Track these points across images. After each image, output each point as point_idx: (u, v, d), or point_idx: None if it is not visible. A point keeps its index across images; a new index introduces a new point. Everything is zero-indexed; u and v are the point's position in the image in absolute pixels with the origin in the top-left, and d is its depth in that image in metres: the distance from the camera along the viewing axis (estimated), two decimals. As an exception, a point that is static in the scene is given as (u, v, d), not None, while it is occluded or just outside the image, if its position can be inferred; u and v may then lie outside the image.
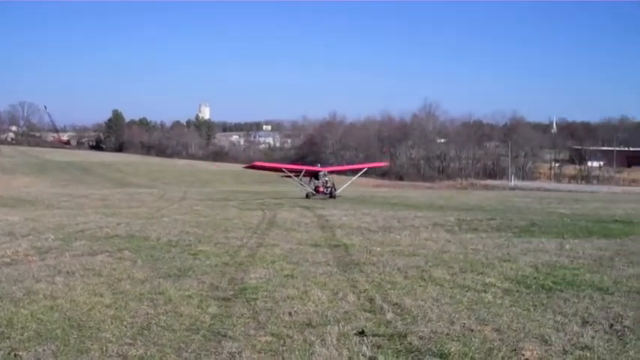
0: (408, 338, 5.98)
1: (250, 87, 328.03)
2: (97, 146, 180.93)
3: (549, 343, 5.85)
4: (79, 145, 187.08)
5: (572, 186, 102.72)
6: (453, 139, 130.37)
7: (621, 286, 8.38)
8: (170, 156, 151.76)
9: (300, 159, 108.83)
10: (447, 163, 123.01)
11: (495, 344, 5.81)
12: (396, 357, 5.53)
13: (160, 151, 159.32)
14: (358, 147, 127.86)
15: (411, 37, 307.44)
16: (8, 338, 6.07)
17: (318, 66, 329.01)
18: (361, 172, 47.12)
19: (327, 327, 6.36)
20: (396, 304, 7.32)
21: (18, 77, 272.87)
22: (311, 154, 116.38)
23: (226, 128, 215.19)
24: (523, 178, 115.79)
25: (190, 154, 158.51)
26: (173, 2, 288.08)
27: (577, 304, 7.32)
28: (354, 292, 7.95)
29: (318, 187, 37.91)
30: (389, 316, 6.75)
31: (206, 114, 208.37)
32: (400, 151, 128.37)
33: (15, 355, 5.62)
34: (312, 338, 6.00)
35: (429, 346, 5.75)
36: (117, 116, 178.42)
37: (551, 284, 8.46)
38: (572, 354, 5.58)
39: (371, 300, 7.54)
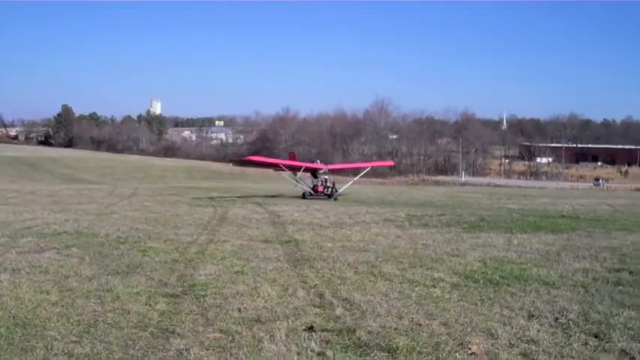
0: (357, 333, 5.99)
1: (202, 82, 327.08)
2: (46, 141, 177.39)
3: (496, 336, 5.94)
4: (27, 140, 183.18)
5: (522, 182, 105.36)
6: (405, 136, 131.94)
7: (567, 280, 8.58)
8: (120, 151, 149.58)
9: (254, 154, 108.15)
10: (399, 159, 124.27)
11: (443, 338, 5.86)
12: (345, 352, 5.53)
13: (110, 146, 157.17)
14: (311, 142, 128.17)
15: (364, 32, 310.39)
16: (-51, 337, 5.87)
17: (271, 61, 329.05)
18: (365, 171, 42.91)
19: (276, 323, 6.34)
20: (346, 299, 7.33)
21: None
22: (264, 150, 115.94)
23: (178, 123, 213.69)
24: (474, 174, 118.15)
25: (141, 149, 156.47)
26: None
27: (523, 298, 7.45)
28: (304, 288, 7.94)
29: (317, 186, 34.02)
30: (338, 311, 6.76)
31: (157, 109, 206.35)
32: (352, 147, 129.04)
33: (-45, 355, 5.45)
34: (261, 334, 5.96)
35: (377, 341, 5.77)
36: (66, 111, 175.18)
37: (498, 279, 8.60)
38: (517, 347, 5.67)
39: (321, 295, 7.54)
